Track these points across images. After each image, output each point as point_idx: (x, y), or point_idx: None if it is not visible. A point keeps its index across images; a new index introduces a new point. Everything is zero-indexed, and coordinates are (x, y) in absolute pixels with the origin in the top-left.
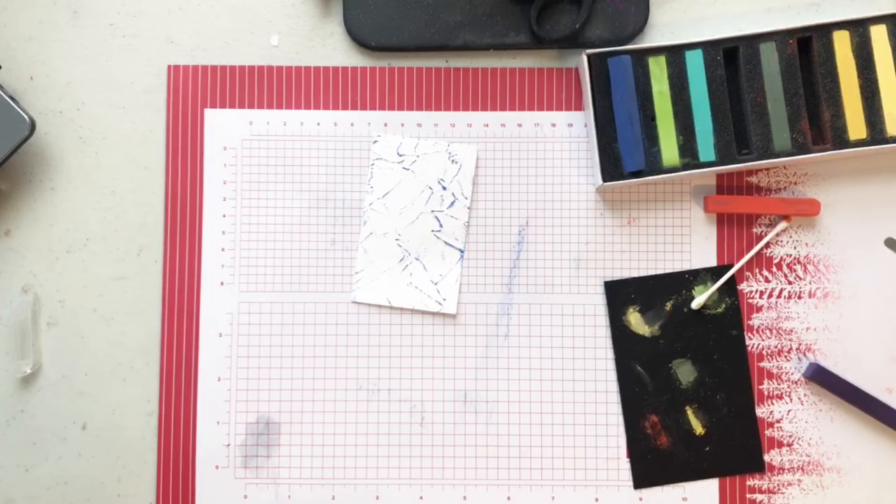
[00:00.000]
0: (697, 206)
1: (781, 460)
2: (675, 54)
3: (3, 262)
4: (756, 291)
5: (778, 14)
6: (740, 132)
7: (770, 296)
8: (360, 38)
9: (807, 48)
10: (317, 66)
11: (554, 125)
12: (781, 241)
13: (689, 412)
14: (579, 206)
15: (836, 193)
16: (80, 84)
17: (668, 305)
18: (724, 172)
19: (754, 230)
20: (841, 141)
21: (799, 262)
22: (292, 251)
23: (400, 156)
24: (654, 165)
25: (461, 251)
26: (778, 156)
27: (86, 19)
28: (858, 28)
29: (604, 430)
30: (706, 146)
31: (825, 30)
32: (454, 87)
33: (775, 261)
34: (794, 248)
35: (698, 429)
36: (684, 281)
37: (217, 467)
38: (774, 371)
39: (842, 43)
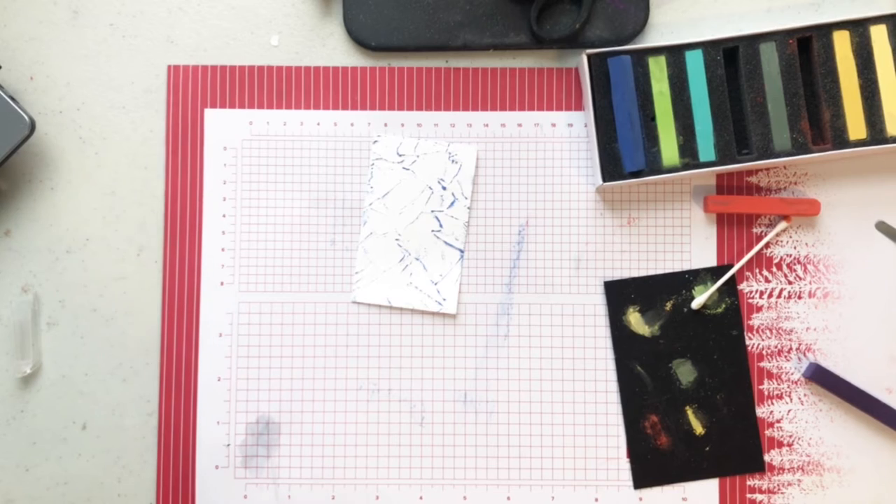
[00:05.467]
0: (697, 206)
1: (781, 460)
2: (675, 54)
3: (3, 262)
4: (756, 291)
5: (778, 14)
6: (740, 132)
7: (770, 296)
8: (360, 38)
9: (807, 48)
10: (317, 66)
11: (554, 125)
12: (781, 241)
13: (689, 412)
14: (579, 206)
15: (836, 193)
16: (80, 84)
17: (668, 305)
18: (724, 172)
19: (754, 230)
20: (841, 141)
21: (799, 262)
22: (292, 251)
23: (400, 156)
24: (654, 165)
25: (461, 251)
26: (778, 156)
27: (86, 19)
28: (858, 28)
29: (604, 430)
30: (706, 146)
31: (825, 30)
32: (454, 87)
33: (775, 261)
34: (794, 248)
35: (698, 429)
36: (684, 281)
37: (217, 467)
38: (774, 371)
39: (842, 43)
